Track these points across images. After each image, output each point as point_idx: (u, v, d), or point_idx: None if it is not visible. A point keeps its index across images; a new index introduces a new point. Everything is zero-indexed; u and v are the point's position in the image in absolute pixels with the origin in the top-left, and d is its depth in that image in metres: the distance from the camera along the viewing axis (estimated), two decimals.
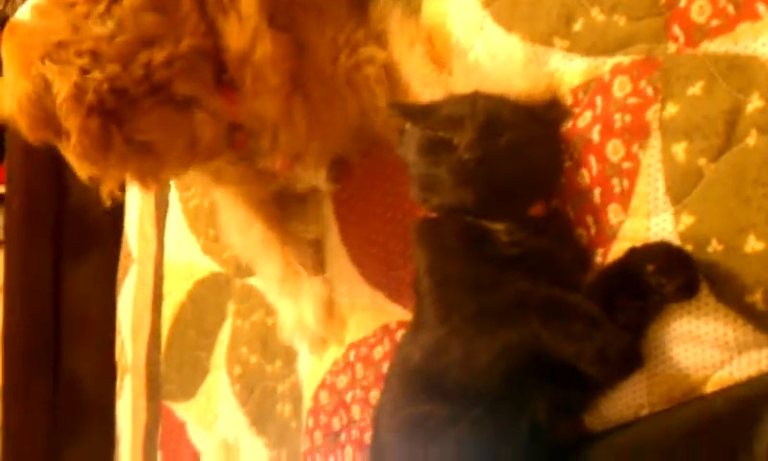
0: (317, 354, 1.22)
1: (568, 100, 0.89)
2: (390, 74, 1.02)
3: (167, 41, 0.89)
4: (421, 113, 0.91)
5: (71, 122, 0.86)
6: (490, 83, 0.92)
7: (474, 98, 0.88)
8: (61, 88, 0.85)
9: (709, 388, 0.76)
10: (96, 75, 0.86)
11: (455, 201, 0.84)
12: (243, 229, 1.24)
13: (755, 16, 0.73)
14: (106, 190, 0.99)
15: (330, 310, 1.19)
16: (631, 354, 0.74)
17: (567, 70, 0.90)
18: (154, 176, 0.99)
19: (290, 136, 1.02)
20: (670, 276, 0.74)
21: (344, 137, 1.09)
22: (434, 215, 0.91)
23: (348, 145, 1.12)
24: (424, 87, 0.99)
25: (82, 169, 0.93)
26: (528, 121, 0.87)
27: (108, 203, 1.01)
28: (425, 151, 0.87)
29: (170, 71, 0.89)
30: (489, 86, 0.91)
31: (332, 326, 1.18)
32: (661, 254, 0.76)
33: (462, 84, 0.96)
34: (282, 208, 1.23)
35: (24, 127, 0.90)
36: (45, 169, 1.82)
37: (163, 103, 0.91)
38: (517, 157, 0.83)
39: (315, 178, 1.12)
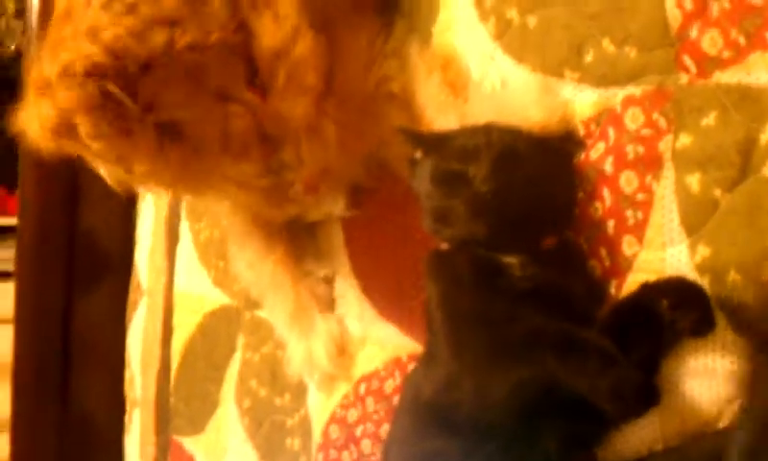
0: (325, 392, 1.20)
1: (580, 131, 0.89)
2: (406, 102, 1.02)
3: (191, 26, 0.86)
4: (434, 143, 0.91)
5: (66, 98, 0.82)
6: (505, 112, 0.92)
7: (489, 129, 0.87)
8: (52, 70, 0.82)
9: (724, 423, 0.75)
10: (88, 48, 0.82)
11: (469, 233, 0.84)
12: (254, 262, 1.23)
13: (766, 46, 0.72)
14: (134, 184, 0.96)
15: (342, 348, 1.17)
16: (647, 392, 0.73)
17: (578, 101, 0.90)
18: (184, 174, 0.95)
19: (316, 148, 0.99)
20: (685, 311, 0.73)
21: (367, 158, 1.07)
22: (446, 247, 0.91)
23: (366, 169, 1.10)
24: (440, 115, 0.99)
25: (107, 160, 0.90)
26: (543, 153, 0.86)
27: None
28: (439, 182, 0.87)
29: (199, 57, 0.87)
30: (504, 115, 0.91)
31: (343, 364, 1.17)
32: (676, 290, 0.75)
33: (478, 112, 0.95)
34: (294, 243, 1.22)
35: (39, 140, 0.88)
36: (57, 202, 1.83)
37: (193, 83, 0.88)
38: (532, 190, 0.83)
39: (334, 203, 1.11)
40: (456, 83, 1.01)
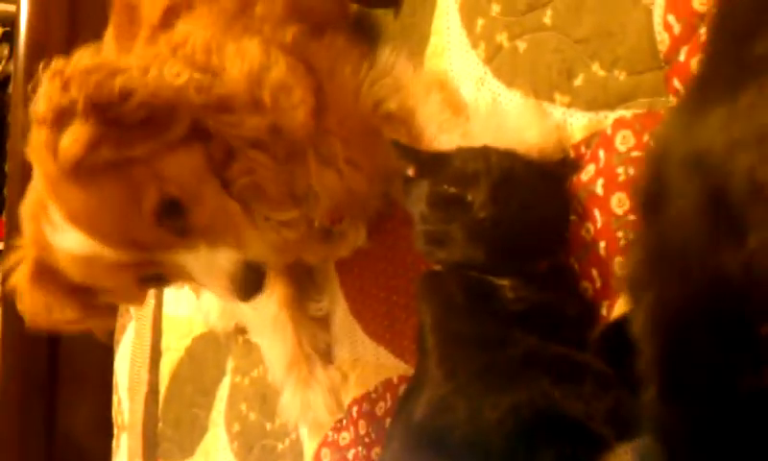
0: (316, 437, 1.20)
1: (571, 154, 0.90)
2: (405, 119, 1.02)
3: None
4: (430, 163, 0.91)
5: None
6: (502, 133, 0.93)
7: (487, 153, 0.87)
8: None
9: None
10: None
11: (466, 258, 0.84)
12: (257, 303, 1.20)
13: None
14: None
15: (340, 402, 1.17)
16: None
17: (569, 125, 0.91)
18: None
19: (326, 171, 0.98)
20: None
21: (385, 179, 1.06)
22: (437, 269, 0.91)
23: (384, 196, 1.10)
24: (442, 133, 0.99)
25: None
26: (539, 177, 0.87)
27: None
28: (436, 205, 0.87)
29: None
30: (501, 137, 0.91)
31: (340, 414, 1.17)
32: None
33: (479, 132, 0.96)
34: (296, 285, 1.21)
35: None
36: None
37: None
38: (529, 215, 0.83)
39: (357, 234, 1.09)
40: (456, 103, 1.02)
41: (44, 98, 0.77)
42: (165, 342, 1.64)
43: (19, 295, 0.88)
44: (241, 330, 1.37)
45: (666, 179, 0.57)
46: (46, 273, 0.85)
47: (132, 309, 1.75)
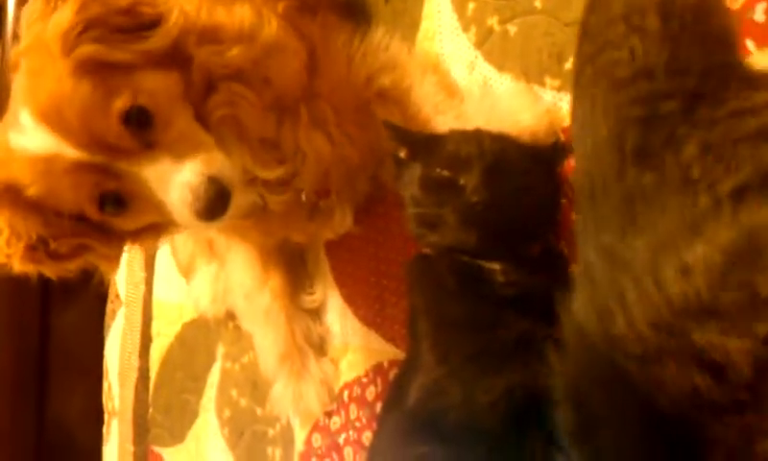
0: (307, 427, 1.20)
1: (561, 138, 0.90)
2: (399, 99, 1.01)
3: None
4: (422, 145, 0.91)
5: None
6: (496, 116, 0.93)
7: (480, 137, 0.87)
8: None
9: None
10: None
11: (457, 241, 0.84)
12: (251, 293, 1.22)
13: (744, 52, 0.74)
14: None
15: (333, 393, 1.17)
16: None
17: (559, 109, 0.91)
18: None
19: (317, 136, 0.97)
20: None
21: (377, 156, 1.05)
22: (428, 252, 0.91)
23: (374, 180, 1.09)
24: (437, 114, 0.99)
25: None
26: (531, 162, 0.87)
27: None
28: (428, 188, 0.87)
29: None
30: (495, 119, 0.91)
31: (332, 406, 1.17)
32: None
33: (472, 114, 0.96)
34: (290, 276, 1.21)
35: None
36: None
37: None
38: (522, 200, 0.83)
39: (344, 217, 1.08)
40: (451, 85, 1.02)
41: None
42: (155, 328, 1.63)
43: None
44: (231, 316, 1.36)
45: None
46: (7, 192, 0.83)
47: (123, 295, 1.75)
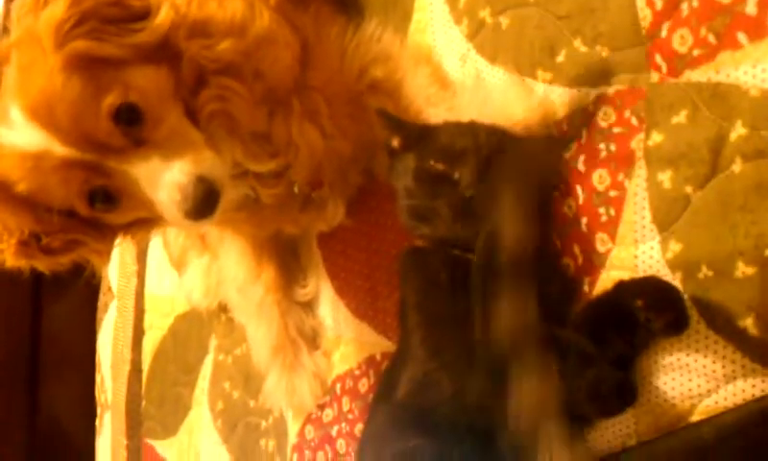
0: (300, 419, 1.20)
1: (553, 131, 0.90)
2: (392, 91, 1.01)
3: None
4: (416, 136, 0.90)
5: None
6: (488, 108, 0.92)
7: (475, 130, 0.87)
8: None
9: (696, 417, 0.76)
10: None
11: (450, 234, 0.84)
12: (244, 286, 1.22)
13: (735, 45, 0.74)
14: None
15: (326, 386, 1.17)
16: (624, 391, 0.73)
17: (551, 102, 0.91)
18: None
19: (309, 128, 0.96)
20: (659, 311, 0.73)
21: (364, 157, 1.05)
22: (419, 245, 0.91)
23: (365, 172, 1.09)
24: (429, 106, 0.98)
25: None
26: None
27: None
28: (422, 181, 0.86)
29: None
30: (487, 111, 0.91)
31: (325, 398, 1.17)
32: (651, 290, 0.75)
33: (465, 106, 0.96)
34: (283, 270, 1.21)
35: None
36: None
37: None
38: None
39: (336, 210, 1.08)
40: (443, 77, 1.02)
41: None
42: (148, 320, 1.63)
43: None
44: (224, 309, 1.36)
45: None
46: None
47: (115, 287, 1.75)
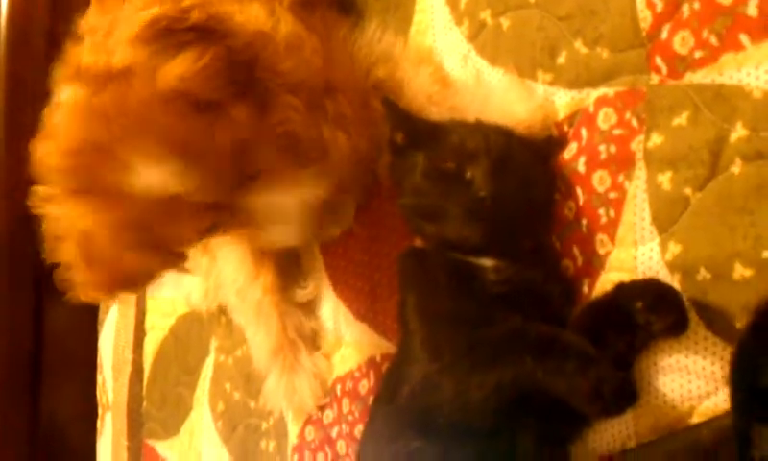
0: (300, 421, 1.20)
1: (554, 132, 0.90)
2: (393, 89, 1.01)
3: None
4: (425, 134, 0.89)
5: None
6: (491, 108, 0.92)
7: (485, 130, 0.86)
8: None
9: (696, 419, 0.76)
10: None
11: (456, 235, 0.83)
12: (243, 288, 1.21)
13: (738, 47, 0.73)
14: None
15: (326, 387, 1.17)
16: (625, 392, 0.73)
17: (552, 103, 0.91)
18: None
19: (335, 129, 0.95)
20: (659, 314, 0.73)
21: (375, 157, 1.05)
22: (419, 245, 0.91)
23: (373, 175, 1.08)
24: (431, 106, 0.98)
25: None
26: (532, 156, 0.86)
27: None
28: (432, 179, 0.85)
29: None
30: (489, 112, 0.91)
31: (325, 400, 1.17)
32: (651, 292, 0.75)
33: (467, 106, 0.95)
34: (282, 271, 1.20)
35: None
36: (27, 207, 1.81)
37: None
38: (525, 195, 0.83)
39: (346, 213, 1.08)
40: (445, 77, 1.01)
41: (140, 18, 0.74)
42: (149, 321, 1.63)
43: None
44: (224, 310, 1.36)
45: None
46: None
47: None
